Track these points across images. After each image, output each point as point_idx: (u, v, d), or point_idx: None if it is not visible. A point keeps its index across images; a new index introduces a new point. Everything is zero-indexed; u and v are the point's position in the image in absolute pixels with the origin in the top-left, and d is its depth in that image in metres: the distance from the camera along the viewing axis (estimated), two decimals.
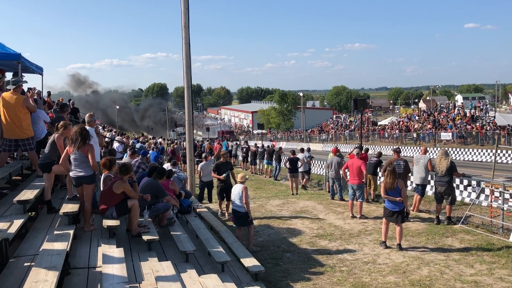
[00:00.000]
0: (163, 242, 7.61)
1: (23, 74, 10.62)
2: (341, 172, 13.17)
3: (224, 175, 11.57)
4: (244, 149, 26.20)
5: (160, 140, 29.57)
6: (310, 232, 10.24)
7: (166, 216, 8.25)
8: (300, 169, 17.02)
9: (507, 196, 10.84)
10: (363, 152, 14.18)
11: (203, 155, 14.00)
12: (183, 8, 13.62)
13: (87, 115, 8.15)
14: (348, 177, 12.36)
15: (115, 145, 15.17)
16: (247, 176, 9.08)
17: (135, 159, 10.52)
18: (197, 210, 10.71)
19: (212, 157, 15.78)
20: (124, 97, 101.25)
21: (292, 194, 15.88)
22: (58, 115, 9.72)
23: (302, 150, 17.68)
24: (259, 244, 9.38)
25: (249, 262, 7.08)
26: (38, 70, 11.89)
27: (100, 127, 28.46)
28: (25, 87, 11.33)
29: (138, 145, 17.75)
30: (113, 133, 23.45)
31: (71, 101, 19.76)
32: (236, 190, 8.63)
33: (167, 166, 11.78)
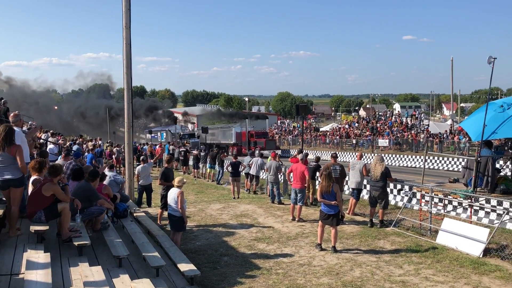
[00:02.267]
0: (96, 247, 7.37)
1: None
2: (279, 175, 13.35)
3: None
4: (182, 153, 25.90)
5: (99, 142, 28.58)
6: (249, 235, 10.29)
7: (100, 220, 8.00)
8: (252, 172, 17.05)
9: (436, 200, 11.47)
10: (297, 157, 14.45)
11: (141, 158, 13.72)
12: (124, 8, 13.33)
13: (12, 114, 7.77)
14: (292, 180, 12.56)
15: (50, 146, 14.51)
16: (184, 180, 8.98)
17: (69, 161, 10.14)
18: (134, 214, 10.48)
19: (151, 161, 15.45)
20: (50, 95, 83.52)
21: (234, 198, 15.90)
22: None
23: (261, 155, 17.75)
24: (197, 248, 9.32)
25: (185, 266, 7.01)
26: None
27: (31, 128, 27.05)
28: None
29: (75, 147, 17.13)
30: (49, 134, 22.43)
31: (2, 100, 18.70)
32: (172, 194, 8.53)
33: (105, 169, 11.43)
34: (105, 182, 9.67)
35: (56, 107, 66.30)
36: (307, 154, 13.61)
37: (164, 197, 10.96)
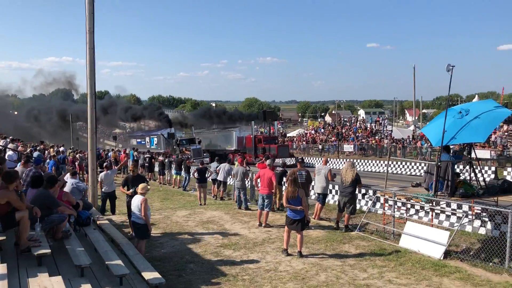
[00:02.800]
0: (57, 256, 7.16)
1: None
2: (246, 181, 13.37)
3: (131, 190, 10.87)
4: (147, 159, 25.56)
5: (62, 148, 27.83)
6: (215, 242, 10.23)
7: (61, 228, 7.78)
8: (220, 178, 17.00)
9: (399, 204, 11.74)
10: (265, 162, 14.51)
11: (104, 164, 13.45)
12: (88, 12, 13.07)
13: None
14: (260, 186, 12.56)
15: (9, 153, 14.02)
16: (148, 187, 8.86)
17: (28, 168, 9.81)
18: (98, 222, 10.24)
19: (115, 167, 15.17)
20: (7, 99, 73.99)
21: (200, 204, 15.78)
22: None
23: (229, 161, 17.83)
24: (163, 256, 9.18)
25: (150, 274, 6.87)
26: None
27: None
28: None
29: (35, 154, 16.61)
30: (8, 141, 21.68)
31: None
32: (135, 202, 8.40)
33: (67, 176, 11.14)
34: (66, 189, 9.42)
35: (16, 112, 63.91)
36: (274, 160, 13.66)
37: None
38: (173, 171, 22.38)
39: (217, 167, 17.51)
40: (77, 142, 46.06)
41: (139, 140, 51.70)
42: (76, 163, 22.23)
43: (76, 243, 7.59)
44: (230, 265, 8.50)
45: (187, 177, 20.80)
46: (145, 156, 26.88)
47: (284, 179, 13.88)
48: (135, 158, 27.87)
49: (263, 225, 11.73)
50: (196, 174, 16.77)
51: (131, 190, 10.62)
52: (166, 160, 23.55)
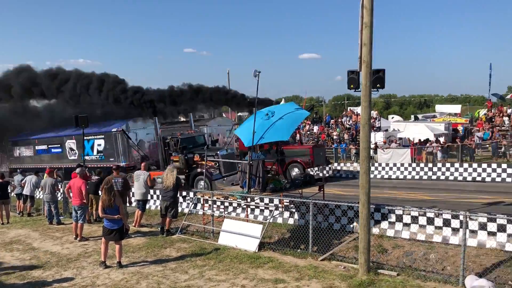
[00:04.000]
0: None
1: None
2: (57, 193, 12.30)
3: None
4: None
5: None
6: (22, 264, 9.13)
7: None
8: (26, 192, 15.17)
9: (218, 203, 12.20)
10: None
11: None
12: None
13: None
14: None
15: None
16: None
17: None
18: None
19: None
20: None
21: (2, 223, 13.93)
22: None
23: (36, 172, 15.97)
24: None
25: None
26: None
27: None
28: None
29: None
30: None
31: None
32: None
33: None
34: None
35: None
36: (86, 168, 12.84)
37: None
38: None
39: (21, 180, 15.70)
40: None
41: (43, 147, 24.41)
42: None
43: None
44: (40, 287, 7.69)
45: None
46: None
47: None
48: None
49: (78, 238, 10.92)
50: None
51: None
52: None
